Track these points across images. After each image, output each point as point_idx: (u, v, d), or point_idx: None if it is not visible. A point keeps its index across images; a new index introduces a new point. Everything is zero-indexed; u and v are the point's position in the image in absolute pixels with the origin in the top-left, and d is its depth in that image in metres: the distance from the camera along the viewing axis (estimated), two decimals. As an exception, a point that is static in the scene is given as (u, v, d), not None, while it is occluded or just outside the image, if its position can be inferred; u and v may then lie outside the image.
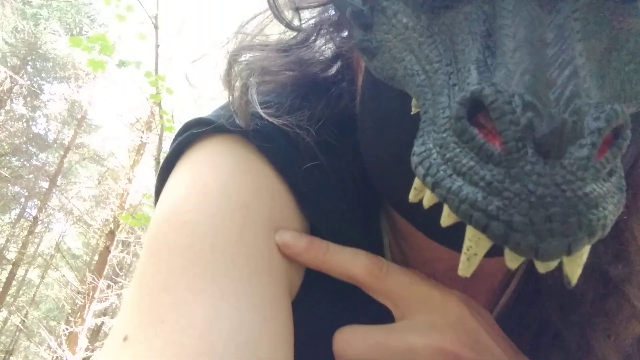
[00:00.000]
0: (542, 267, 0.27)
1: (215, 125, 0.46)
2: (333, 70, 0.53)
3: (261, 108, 0.46)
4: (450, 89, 0.31)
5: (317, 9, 0.51)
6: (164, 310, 0.35)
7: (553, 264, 0.27)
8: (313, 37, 0.51)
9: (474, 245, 0.29)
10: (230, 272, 0.38)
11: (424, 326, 0.44)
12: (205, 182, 0.43)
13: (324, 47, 0.53)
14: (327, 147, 0.48)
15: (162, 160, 0.51)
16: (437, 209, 0.31)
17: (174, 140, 0.49)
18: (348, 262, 0.45)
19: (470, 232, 0.29)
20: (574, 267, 0.28)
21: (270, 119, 0.46)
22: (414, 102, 0.35)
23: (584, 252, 0.28)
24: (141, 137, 9.55)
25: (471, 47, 0.31)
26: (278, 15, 0.50)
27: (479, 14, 0.32)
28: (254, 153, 0.45)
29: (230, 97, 0.49)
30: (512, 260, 0.27)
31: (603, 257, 0.47)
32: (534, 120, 0.25)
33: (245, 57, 0.52)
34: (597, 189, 0.26)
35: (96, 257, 10.83)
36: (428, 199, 0.31)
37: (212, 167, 0.45)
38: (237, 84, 0.50)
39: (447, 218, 0.30)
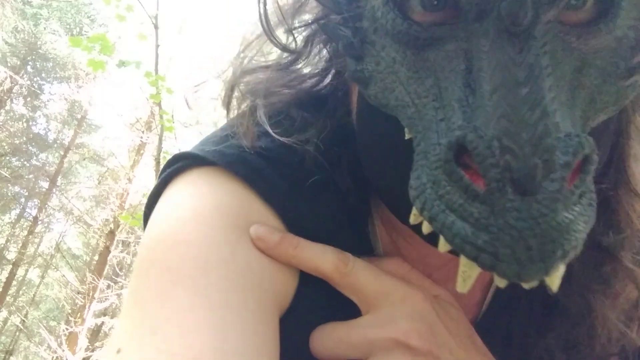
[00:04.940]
0: (526, 286, 0.31)
1: (202, 158, 0.48)
2: (327, 81, 0.55)
3: (270, 128, 0.49)
4: (438, 124, 0.35)
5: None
6: (156, 322, 0.37)
7: (535, 283, 0.31)
8: (307, 50, 0.53)
9: (468, 269, 0.33)
10: (221, 286, 0.40)
11: (382, 320, 0.46)
12: (197, 204, 0.45)
13: (317, 58, 0.54)
14: (328, 158, 0.50)
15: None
16: None
17: (163, 171, 0.51)
18: (316, 258, 0.47)
19: (464, 259, 0.32)
20: (553, 279, 0.31)
21: (281, 138, 0.49)
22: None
23: (561, 269, 0.31)
24: (141, 137, 9.56)
25: (454, 85, 0.34)
26: (273, 40, 0.51)
27: (458, 52, 0.35)
28: (240, 182, 0.47)
29: (236, 120, 0.51)
30: (501, 282, 0.31)
31: (595, 228, 0.49)
32: (511, 162, 0.29)
33: (246, 78, 0.54)
34: (569, 215, 0.30)
35: (96, 257, 10.85)
36: (426, 227, 0.35)
37: (203, 191, 0.46)
38: (242, 107, 0.53)
39: (443, 246, 0.34)
